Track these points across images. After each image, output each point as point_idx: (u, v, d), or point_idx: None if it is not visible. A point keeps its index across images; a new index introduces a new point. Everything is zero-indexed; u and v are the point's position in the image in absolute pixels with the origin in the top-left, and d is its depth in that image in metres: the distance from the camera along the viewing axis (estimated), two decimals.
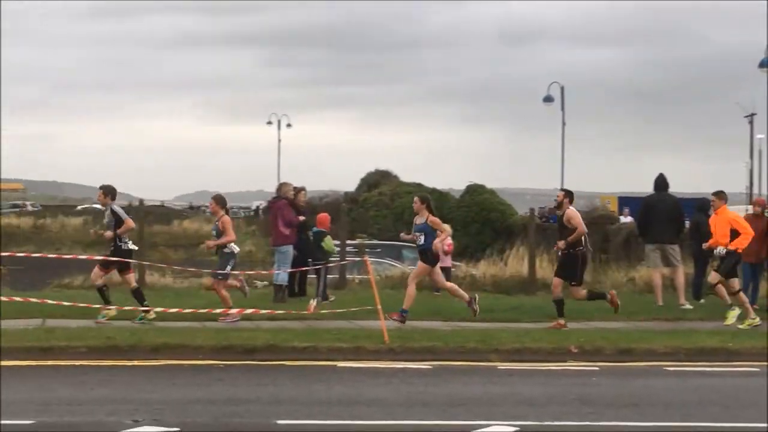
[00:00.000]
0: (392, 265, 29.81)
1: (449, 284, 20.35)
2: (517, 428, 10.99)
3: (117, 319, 18.43)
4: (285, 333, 17.04)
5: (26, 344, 15.71)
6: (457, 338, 16.95)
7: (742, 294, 19.73)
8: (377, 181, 48.36)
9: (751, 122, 74.08)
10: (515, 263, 28.56)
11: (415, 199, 20.06)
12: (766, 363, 15.63)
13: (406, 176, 50.02)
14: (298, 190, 23.10)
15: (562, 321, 18.97)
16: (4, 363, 14.78)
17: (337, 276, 25.62)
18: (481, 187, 44.85)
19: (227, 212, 19.96)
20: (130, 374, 14.36)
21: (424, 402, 12.60)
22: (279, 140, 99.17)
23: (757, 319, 19.32)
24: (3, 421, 10.81)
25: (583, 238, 19.06)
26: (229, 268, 19.64)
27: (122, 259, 18.74)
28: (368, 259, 19.40)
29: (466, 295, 19.84)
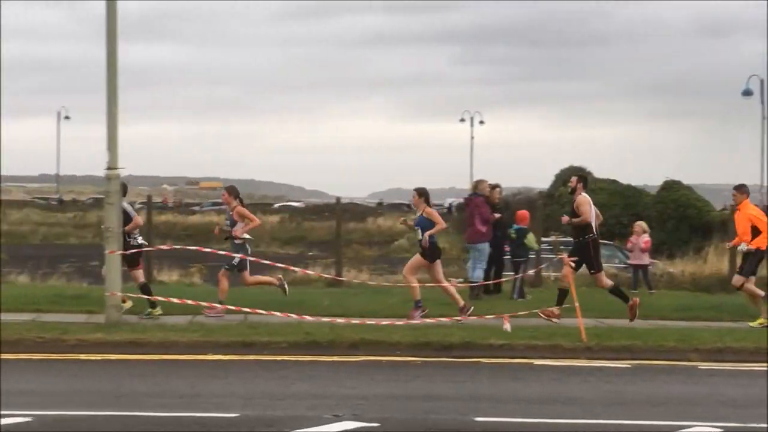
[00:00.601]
0: None
1: (445, 284, 19.49)
2: (721, 429, 10.76)
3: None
4: (481, 330, 17.05)
5: (229, 339, 16.13)
6: (656, 337, 16.68)
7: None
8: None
9: None
10: (715, 260, 27.93)
11: (413, 193, 19.76)
12: None
13: (600, 172, 49.56)
14: (494, 187, 23.10)
15: (556, 311, 18.59)
16: (211, 357, 15.25)
17: (533, 274, 25.49)
18: (678, 183, 44.05)
19: (241, 202, 20.01)
20: (329, 370, 14.58)
21: (623, 401, 12.46)
22: (472, 137, 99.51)
23: None
24: (206, 414, 11.14)
25: (593, 225, 18.69)
26: (237, 259, 19.50)
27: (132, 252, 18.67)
28: (566, 257, 19.02)
29: (460, 300, 19.12)
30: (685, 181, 44.59)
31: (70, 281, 26.73)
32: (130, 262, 18.96)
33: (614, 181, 46.98)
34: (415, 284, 19.12)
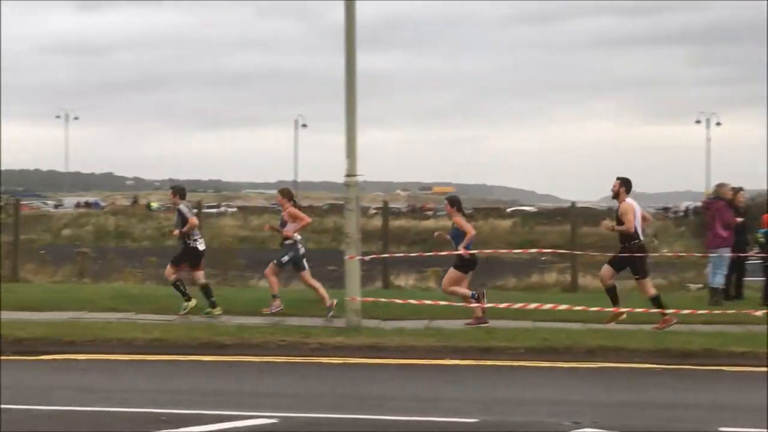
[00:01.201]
0: None
1: (459, 292, 18.88)
2: None
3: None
4: (722, 337, 16.66)
5: (466, 344, 16.21)
6: None
7: None
8: None
9: None
10: None
11: (445, 202, 19.30)
12: None
13: None
14: (737, 191, 22.50)
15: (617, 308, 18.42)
16: (448, 362, 15.38)
17: None
18: None
19: (295, 204, 20.14)
20: (567, 376, 14.50)
21: None
22: (708, 139, 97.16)
23: None
24: (446, 419, 11.24)
25: (638, 231, 18.25)
26: (286, 258, 19.62)
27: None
28: None
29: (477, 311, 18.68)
30: None
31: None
32: (192, 263, 19.83)
33: None
34: (463, 290, 18.86)
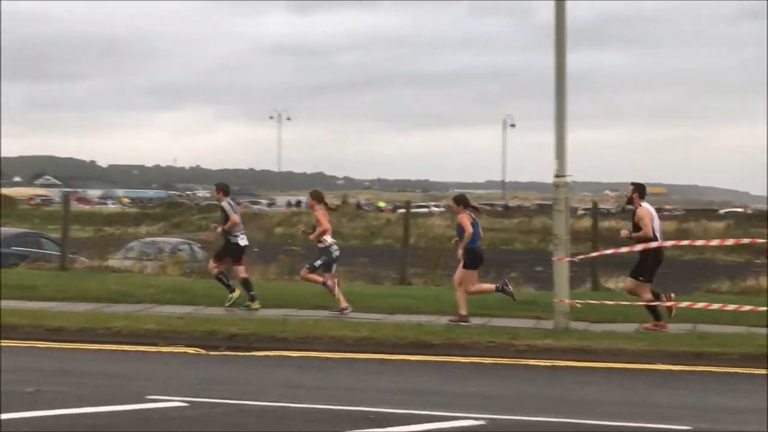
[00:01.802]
0: None
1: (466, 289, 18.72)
2: None
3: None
4: None
5: (678, 349, 15.88)
6: None
7: None
8: None
9: None
10: None
11: (452, 200, 18.94)
12: None
13: None
14: None
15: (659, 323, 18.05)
16: (659, 366, 15.07)
17: None
18: None
19: (326, 206, 20.21)
20: None
21: None
22: None
23: None
24: (656, 425, 10.99)
25: (657, 236, 17.84)
26: (319, 262, 19.87)
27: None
28: None
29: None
30: None
31: (517, 286, 27.22)
32: (234, 258, 20.40)
33: None
34: (486, 286, 19.01)
